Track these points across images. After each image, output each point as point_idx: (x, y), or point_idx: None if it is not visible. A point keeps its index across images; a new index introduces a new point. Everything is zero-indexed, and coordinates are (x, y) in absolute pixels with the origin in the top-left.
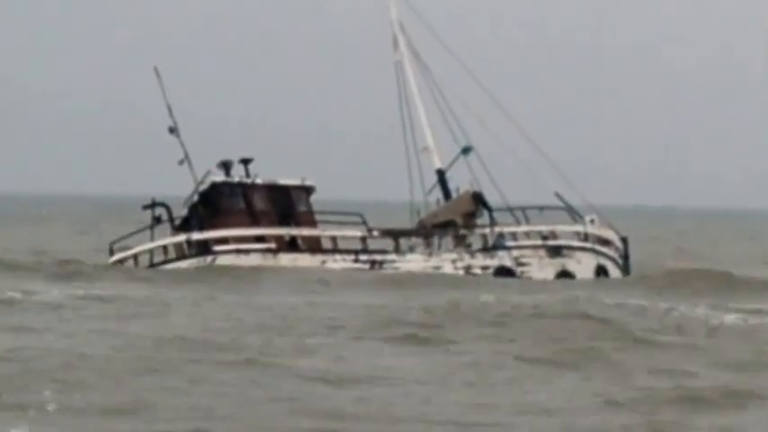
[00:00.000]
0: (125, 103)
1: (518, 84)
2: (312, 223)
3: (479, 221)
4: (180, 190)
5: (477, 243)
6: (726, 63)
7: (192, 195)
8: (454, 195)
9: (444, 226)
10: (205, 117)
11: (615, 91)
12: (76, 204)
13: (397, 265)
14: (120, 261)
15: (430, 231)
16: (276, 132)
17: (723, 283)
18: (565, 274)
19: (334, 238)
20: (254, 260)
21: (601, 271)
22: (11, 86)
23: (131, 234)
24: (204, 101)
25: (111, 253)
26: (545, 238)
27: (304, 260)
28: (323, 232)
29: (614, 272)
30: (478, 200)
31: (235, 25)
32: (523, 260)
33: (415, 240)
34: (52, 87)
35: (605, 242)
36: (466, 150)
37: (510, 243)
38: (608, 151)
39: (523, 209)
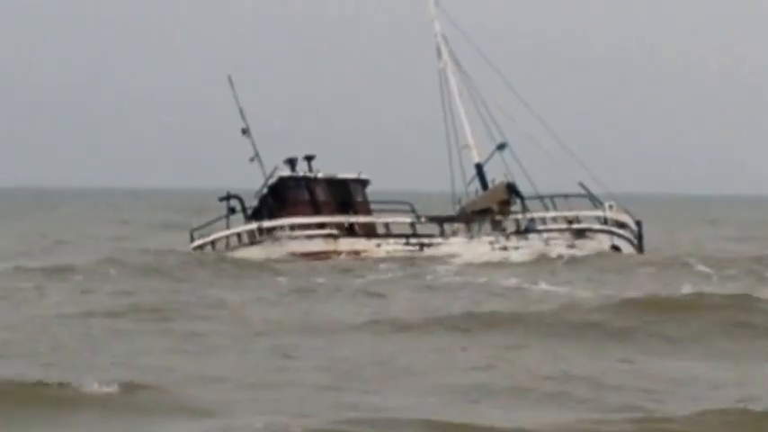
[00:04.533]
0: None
1: (551, 85)
2: (368, 212)
3: (513, 208)
4: (251, 184)
5: (511, 227)
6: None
7: (262, 188)
8: (491, 186)
9: (482, 213)
10: (276, 120)
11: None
12: (164, 197)
13: (442, 248)
14: (200, 246)
15: (470, 217)
16: (335, 132)
17: None
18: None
19: (387, 225)
20: (317, 244)
21: (616, 250)
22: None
23: (210, 223)
24: (273, 105)
25: (192, 239)
26: (570, 222)
27: (361, 244)
28: (377, 219)
29: (628, 251)
30: (512, 189)
31: (308, 38)
32: (552, 242)
33: (457, 226)
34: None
35: (622, 225)
36: (501, 146)
37: (540, 227)
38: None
39: (551, 197)
